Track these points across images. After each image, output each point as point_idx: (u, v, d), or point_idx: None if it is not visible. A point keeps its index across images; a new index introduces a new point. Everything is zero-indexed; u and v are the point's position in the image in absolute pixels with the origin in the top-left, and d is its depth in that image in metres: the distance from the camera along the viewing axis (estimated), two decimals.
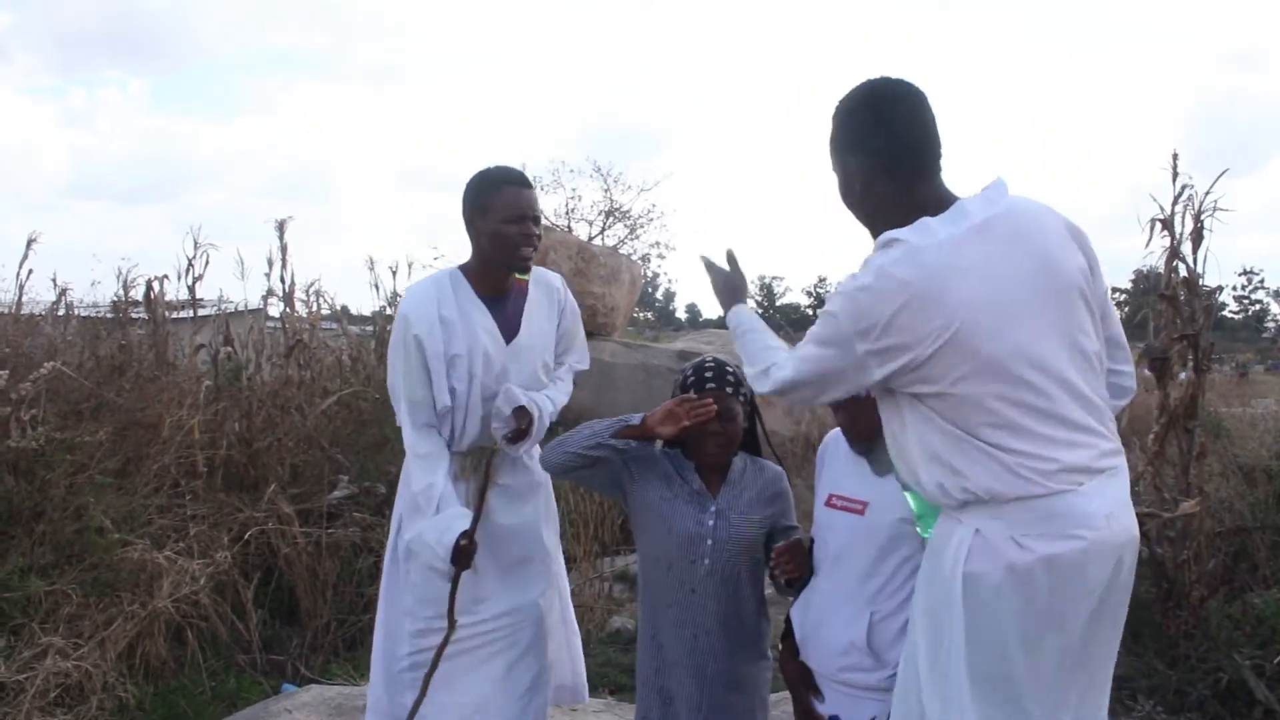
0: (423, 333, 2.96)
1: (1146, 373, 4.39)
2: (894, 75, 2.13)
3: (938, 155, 2.10)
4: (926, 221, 1.99)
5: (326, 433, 6.25)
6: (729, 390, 2.70)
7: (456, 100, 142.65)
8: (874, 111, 2.09)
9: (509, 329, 3.05)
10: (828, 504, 2.53)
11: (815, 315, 2.34)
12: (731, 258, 2.72)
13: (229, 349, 6.63)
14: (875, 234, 2.10)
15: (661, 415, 2.66)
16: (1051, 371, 1.97)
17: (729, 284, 2.69)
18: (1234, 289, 68.46)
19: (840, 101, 2.15)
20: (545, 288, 3.17)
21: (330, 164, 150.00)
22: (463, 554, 2.87)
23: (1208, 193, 4.33)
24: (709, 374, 2.73)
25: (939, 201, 2.05)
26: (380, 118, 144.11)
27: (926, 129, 2.08)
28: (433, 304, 2.99)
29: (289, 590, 5.39)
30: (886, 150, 2.06)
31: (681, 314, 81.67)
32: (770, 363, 2.29)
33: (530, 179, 3.04)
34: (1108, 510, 1.98)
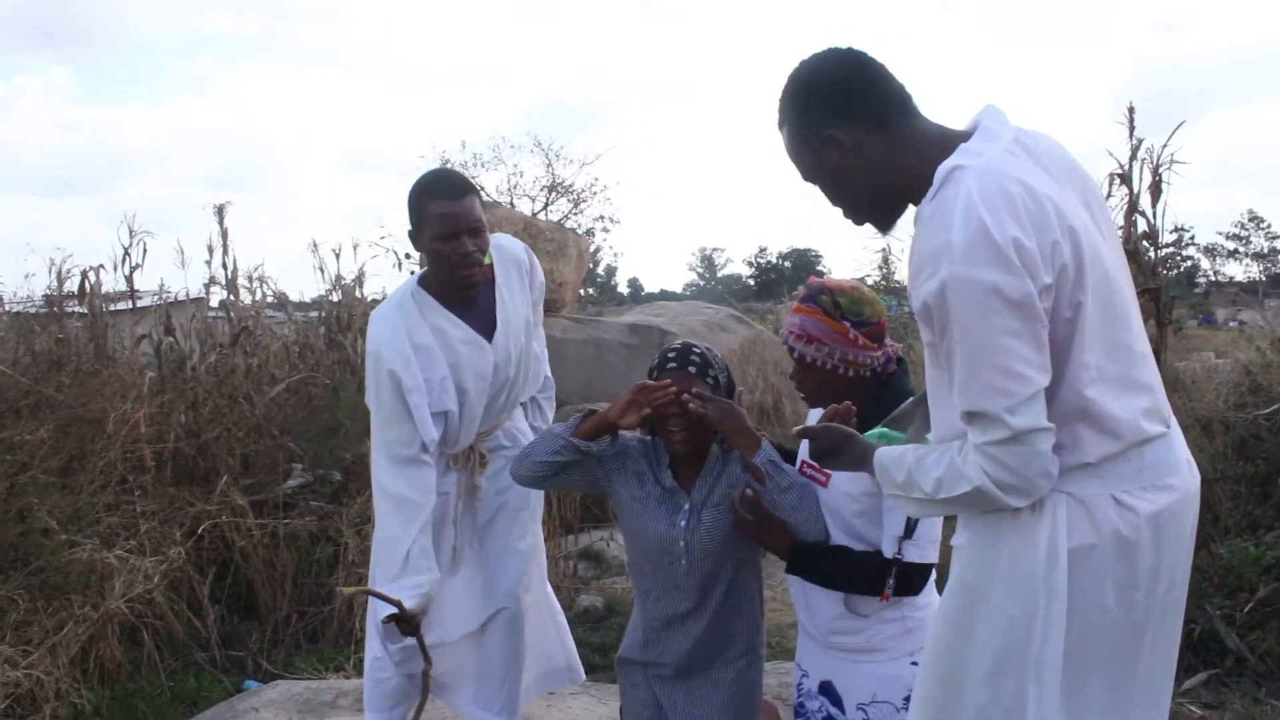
0: (399, 367, 2.80)
1: None
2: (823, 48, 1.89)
3: (910, 95, 1.86)
4: (963, 147, 1.74)
5: (277, 421, 6.09)
6: (692, 371, 2.54)
7: (397, 80, 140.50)
8: (832, 71, 1.85)
9: (486, 328, 2.92)
10: (800, 470, 2.48)
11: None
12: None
13: (171, 339, 6.44)
14: (889, 215, 1.89)
15: (621, 406, 2.55)
16: (1128, 298, 1.81)
17: (841, 449, 2.07)
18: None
19: (787, 96, 1.89)
20: (513, 263, 3.03)
21: (270, 149, 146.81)
22: (401, 623, 2.75)
23: (1164, 146, 4.33)
24: (671, 355, 2.59)
25: (942, 134, 1.83)
26: (320, 101, 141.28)
27: (889, 74, 1.86)
28: (403, 334, 2.83)
29: (246, 584, 5.27)
30: (870, 104, 1.82)
31: (624, 289, 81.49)
32: (951, 457, 1.74)
33: (468, 182, 2.88)
34: (1186, 455, 1.84)
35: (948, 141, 1.78)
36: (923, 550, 2.27)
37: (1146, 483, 1.75)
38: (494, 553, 3.09)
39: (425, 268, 2.94)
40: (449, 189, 2.80)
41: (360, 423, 6.10)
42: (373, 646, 3.03)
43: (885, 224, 1.94)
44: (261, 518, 5.31)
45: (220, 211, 6.51)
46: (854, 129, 1.81)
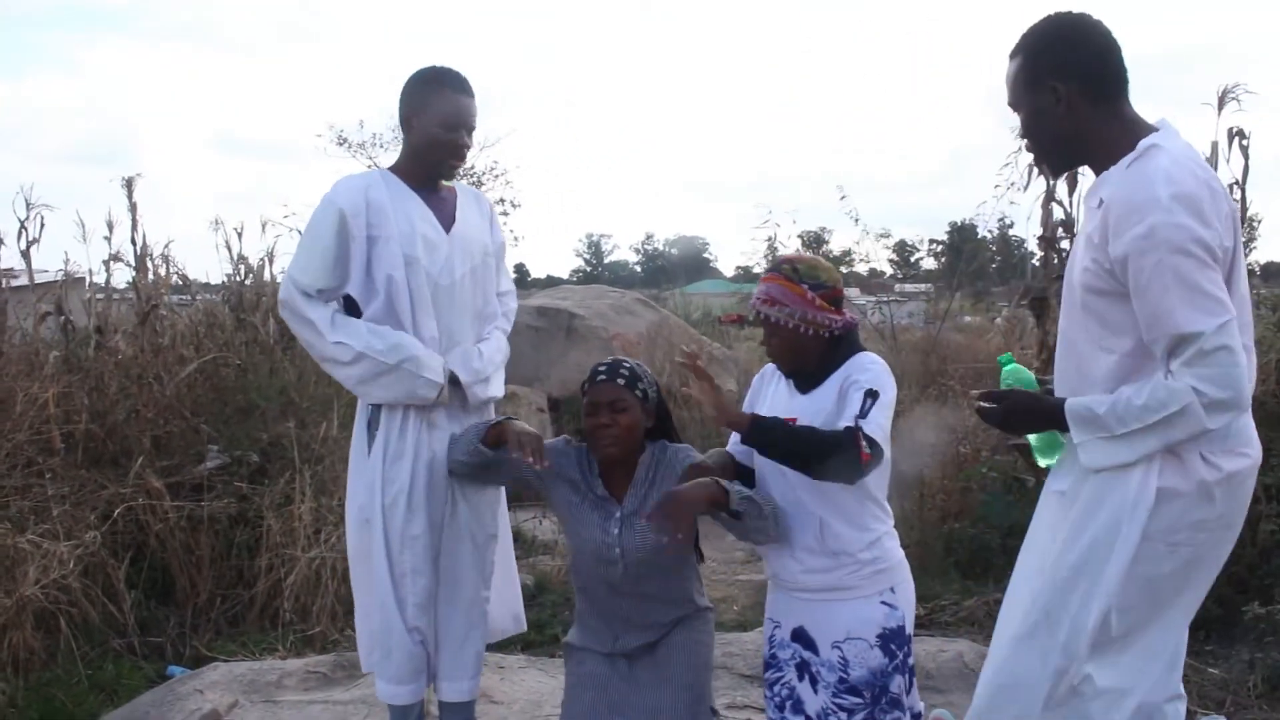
0: (349, 213, 2.85)
1: (1027, 312, 4.58)
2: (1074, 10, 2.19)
3: (1128, 77, 2.15)
4: (1157, 133, 2.06)
5: (188, 401, 5.91)
6: (621, 383, 2.68)
7: (274, 62, 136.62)
8: (1081, 35, 2.13)
9: (446, 220, 2.99)
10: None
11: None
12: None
13: (68, 318, 6.17)
14: (1065, 164, 2.28)
15: (513, 438, 2.71)
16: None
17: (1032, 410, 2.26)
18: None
19: (1032, 33, 2.17)
20: (474, 197, 3.16)
21: (137, 127, 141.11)
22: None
23: None
24: (601, 369, 2.73)
25: (1139, 123, 2.13)
26: (191, 79, 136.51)
27: (1121, 54, 2.14)
28: (361, 189, 2.90)
29: (163, 568, 5.11)
30: (1095, 72, 2.11)
31: (511, 274, 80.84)
32: (1173, 389, 1.97)
33: (472, 87, 2.97)
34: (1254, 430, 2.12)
35: (1138, 129, 2.10)
36: (873, 430, 2.37)
37: (1228, 448, 2.05)
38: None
39: (399, 158, 3.03)
40: (463, 84, 2.94)
41: (276, 403, 5.98)
42: (384, 614, 2.95)
43: (1058, 171, 2.38)
44: (178, 500, 5.16)
45: (129, 184, 6.21)
46: (1075, 90, 2.10)
